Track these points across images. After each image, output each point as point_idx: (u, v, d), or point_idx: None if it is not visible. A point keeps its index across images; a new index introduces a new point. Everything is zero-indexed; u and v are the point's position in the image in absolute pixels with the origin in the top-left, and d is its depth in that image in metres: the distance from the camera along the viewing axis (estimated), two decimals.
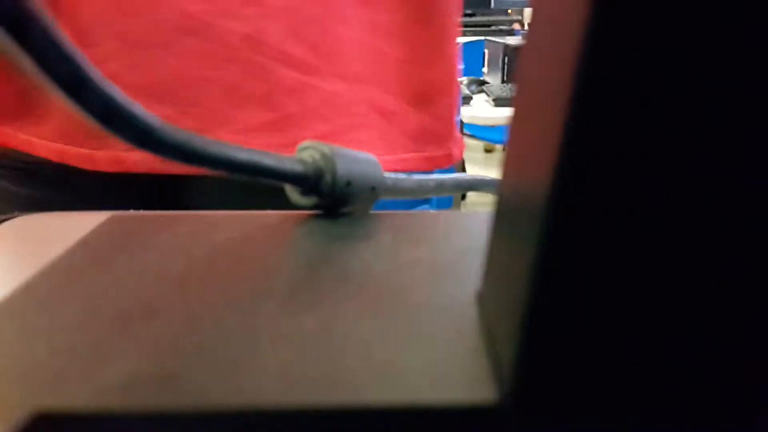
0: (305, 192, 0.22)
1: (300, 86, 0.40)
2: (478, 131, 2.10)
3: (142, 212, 0.23)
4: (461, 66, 2.18)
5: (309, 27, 0.39)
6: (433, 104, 0.48)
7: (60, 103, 0.13)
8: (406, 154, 0.47)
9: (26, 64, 0.13)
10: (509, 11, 2.77)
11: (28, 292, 0.16)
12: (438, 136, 0.49)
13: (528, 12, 0.14)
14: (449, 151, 0.50)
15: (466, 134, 1.98)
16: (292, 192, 0.22)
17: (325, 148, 0.21)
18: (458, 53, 0.52)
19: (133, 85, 0.34)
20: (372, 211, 0.24)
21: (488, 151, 2.96)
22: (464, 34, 2.59)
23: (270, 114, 0.42)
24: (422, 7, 0.45)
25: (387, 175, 0.24)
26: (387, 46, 0.44)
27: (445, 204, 1.05)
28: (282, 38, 0.38)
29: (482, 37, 2.25)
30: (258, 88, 0.39)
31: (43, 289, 0.16)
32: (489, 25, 2.76)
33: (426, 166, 0.48)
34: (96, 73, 0.14)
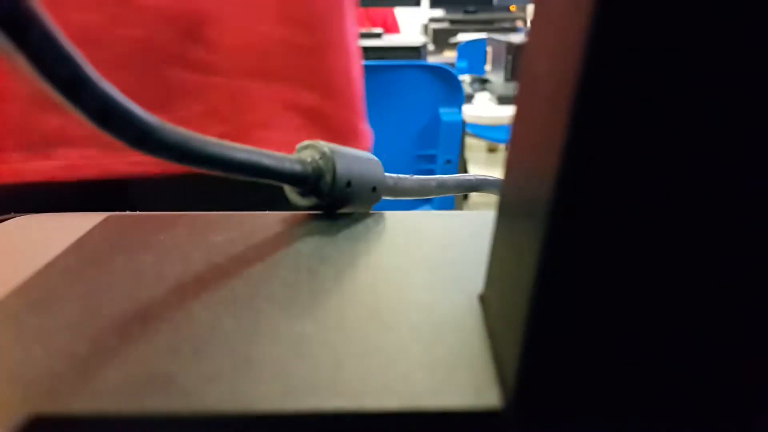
0: (305, 192, 0.21)
1: (200, 87, 0.39)
2: (480, 130, 2.10)
3: (138, 213, 0.23)
4: (464, 62, 2.18)
5: (206, 27, 0.39)
6: (340, 96, 0.48)
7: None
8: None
9: (23, 64, 0.13)
10: (512, 8, 2.77)
11: (24, 293, 0.16)
12: (348, 129, 0.49)
13: (531, 9, 0.14)
14: (365, 146, 0.50)
15: (468, 134, 1.97)
16: (291, 192, 0.22)
17: (325, 147, 0.21)
18: (355, 40, 0.52)
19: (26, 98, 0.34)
20: (372, 211, 0.24)
21: (491, 150, 2.95)
22: (466, 31, 2.59)
23: (166, 117, 0.42)
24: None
25: (388, 175, 0.24)
26: (297, 37, 0.44)
27: (447, 204, 1.05)
28: (177, 41, 0.38)
29: (484, 35, 2.25)
30: (154, 93, 0.39)
31: (40, 290, 0.16)
32: (491, 22, 2.76)
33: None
34: (94, 73, 0.14)
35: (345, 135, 0.49)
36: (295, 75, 0.44)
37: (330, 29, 0.47)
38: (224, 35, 0.40)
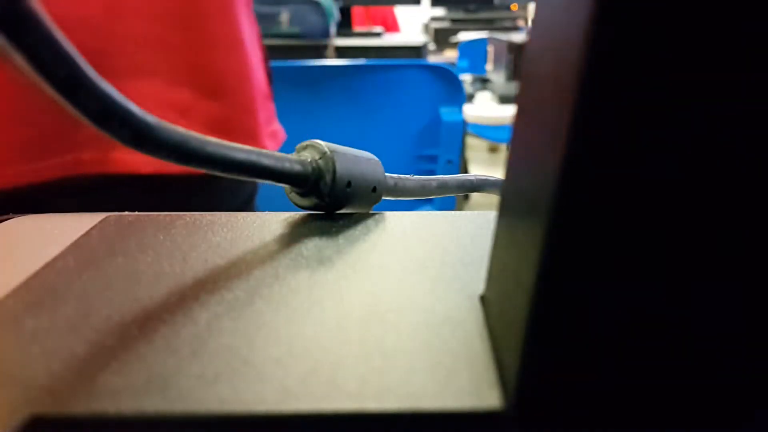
0: (305, 193, 0.21)
1: None
2: (481, 130, 2.10)
3: (137, 213, 0.23)
4: (465, 62, 2.18)
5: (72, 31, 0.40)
6: (232, 95, 0.48)
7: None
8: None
9: (21, 63, 0.13)
10: (513, 6, 2.77)
11: (23, 293, 0.16)
12: (242, 129, 0.49)
13: (532, 7, 0.14)
14: (262, 145, 0.49)
15: (469, 133, 1.97)
16: (291, 192, 0.22)
17: (325, 147, 0.21)
18: (252, 41, 0.52)
19: None
20: (373, 212, 0.24)
21: (492, 150, 2.95)
22: (467, 30, 2.59)
23: (30, 130, 0.43)
24: None
25: (389, 175, 0.24)
26: (169, 35, 0.44)
27: (448, 205, 1.05)
28: None
29: (485, 34, 2.25)
30: (16, 106, 0.39)
31: (38, 291, 0.17)
32: (492, 21, 2.76)
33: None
34: (93, 72, 0.14)
35: (235, 134, 0.48)
36: (168, 72, 0.44)
37: (213, 27, 0.47)
38: (92, 36, 0.40)
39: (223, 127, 0.47)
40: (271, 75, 0.61)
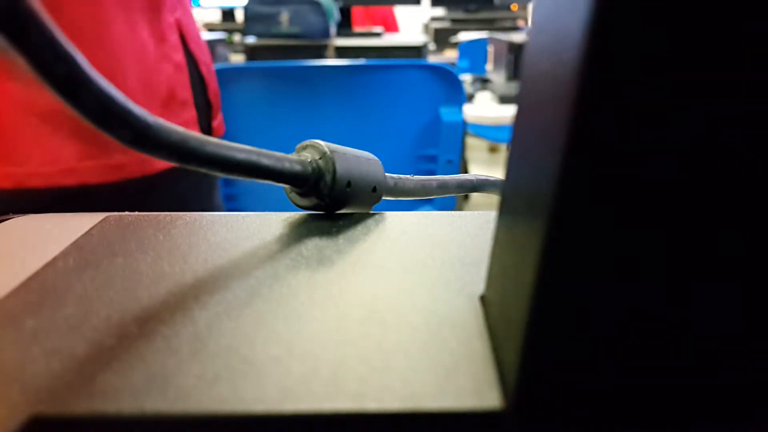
0: (305, 193, 0.22)
1: None
2: (481, 130, 2.10)
3: (137, 213, 0.23)
4: (465, 62, 2.18)
5: None
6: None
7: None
8: (79, 163, 0.46)
9: (21, 62, 0.13)
10: (513, 6, 2.77)
11: (23, 294, 0.16)
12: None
13: (532, 7, 0.14)
14: (141, 157, 0.49)
15: (469, 133, 1.97)
16: (291, 192, 0.22)
17: (325, 147, 0.21)
18: (134, 39, 0.51)
19: None
20: (373, 212, 0.24)
21: (492, 150, 2.95)
22: (467, 30, 2.59)
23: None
24: None
25: (389, 175, 0.24)
26: None
27: (448, 205, 1.05)
28: None
29: (485, 34, 2.25)
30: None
31: (38, 292, 0.17)
32: (492, 21, 2.76)
33: (112, 175, 0.47)
34: (93, 71, 0.14)
35: (110, 146, 0.48)
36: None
37: (75, 17, 0.46)
38: None
39: (99, 138, 0.46)
40: (208, 82, 0.61)
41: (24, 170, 0.46)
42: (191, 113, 0.59)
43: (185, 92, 0.57)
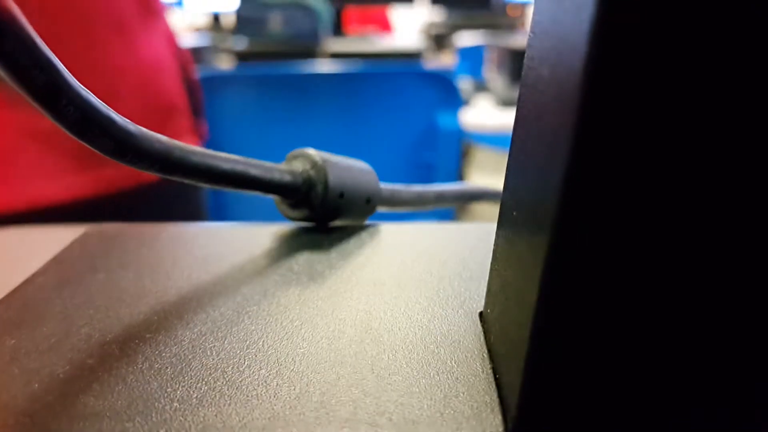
0: (295, 204, 0.21)
1: None
2: (479, 137, 2.10)
3: (119, 224, 0.23)
4: (463, 66, 2.19)
5: None
6: None
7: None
8: (72, 177, 0.47)
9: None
10: (509, 10, 2.79)
11: (1, 311, 0.16)
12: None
13: (531, 11, 0.14)
14: (130, 171, 0.50)
15: (467, 141, 1.98)
16: (281, 204, 0.22)
17: (317, 156, 0.21)
18: (131, 60, 0.53)
19: None
20: (367, 224, 0.24)
21: (491, 159, 2.96)
22: (465, 32, 2.61)
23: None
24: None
25: (383, 185, 0.24)
26: None
27: (447, 215, 1.05)
28: None
29: (484, 37, 2.26)
30: None
31: (17, 309, 0.16)
32: (491, 25, 2.78)
33: (102, 188, 0.48)
34: (73, 80, 0.14)
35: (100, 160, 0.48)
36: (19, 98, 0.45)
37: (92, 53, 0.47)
38: None
39: (89, 154, 0.48)
40: (195, 87, 0.62)
41: (23, 196, 0.46)
42: (189, 121, 0.59)
43: (182, 100, 0.58)
